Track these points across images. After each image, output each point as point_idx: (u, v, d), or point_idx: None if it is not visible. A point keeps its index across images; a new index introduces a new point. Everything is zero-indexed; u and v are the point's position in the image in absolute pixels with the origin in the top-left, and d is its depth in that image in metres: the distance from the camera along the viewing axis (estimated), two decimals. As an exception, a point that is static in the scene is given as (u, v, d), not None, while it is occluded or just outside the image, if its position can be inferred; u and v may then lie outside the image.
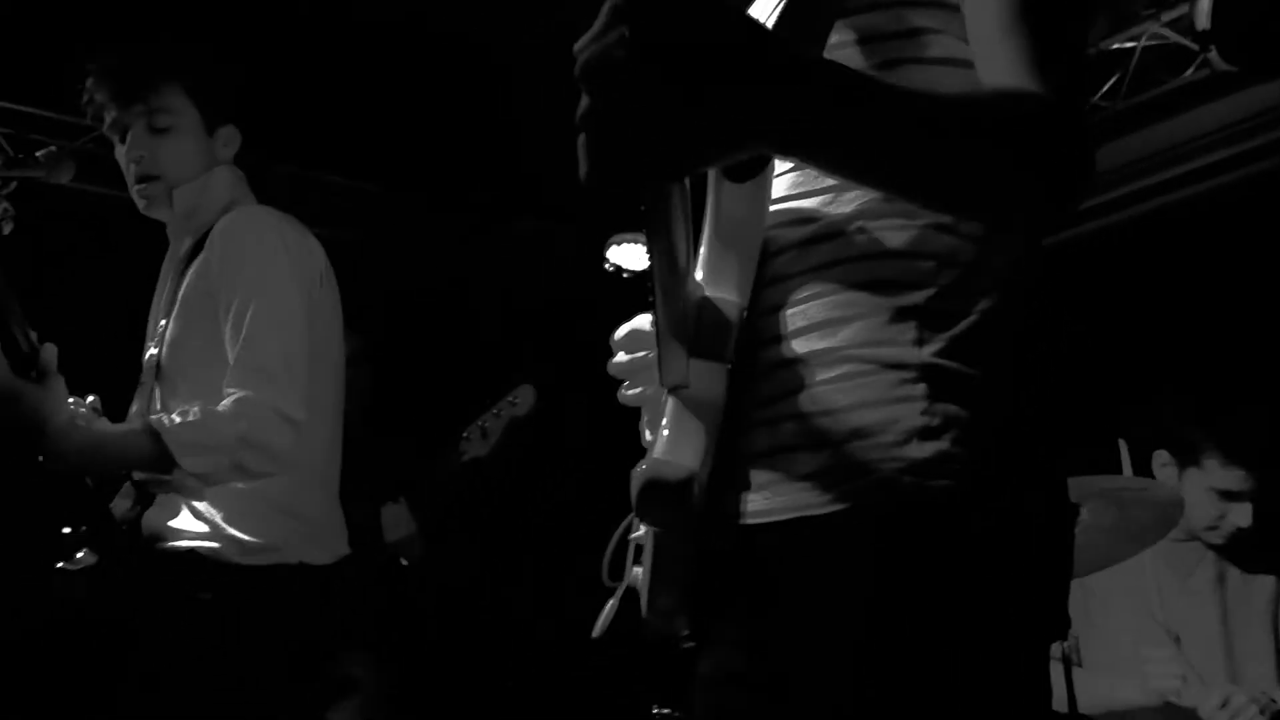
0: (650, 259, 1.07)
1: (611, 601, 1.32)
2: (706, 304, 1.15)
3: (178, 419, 1.96)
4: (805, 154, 0.93)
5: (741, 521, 1.13)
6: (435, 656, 3.77)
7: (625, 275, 5.34)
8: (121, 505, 2.09)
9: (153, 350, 2.20)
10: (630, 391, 1.32)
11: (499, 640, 4.35)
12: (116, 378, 2.12)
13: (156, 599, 2.04)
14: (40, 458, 1.90)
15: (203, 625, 2.01)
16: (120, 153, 2.22)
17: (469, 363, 5.04)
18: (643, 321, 1.34)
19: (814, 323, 1.13)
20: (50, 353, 1.91)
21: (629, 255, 5.37)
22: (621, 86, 0.83)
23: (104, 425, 2.02)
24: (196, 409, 1.98)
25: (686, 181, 1.05)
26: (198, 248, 2.19)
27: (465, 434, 3.37)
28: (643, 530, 1.28)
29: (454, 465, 3.36)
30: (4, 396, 1.85)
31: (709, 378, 1.13)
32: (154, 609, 2.04)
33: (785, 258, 1.16)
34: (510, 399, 3.41)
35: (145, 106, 2.18)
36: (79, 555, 2.04)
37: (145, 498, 2.11)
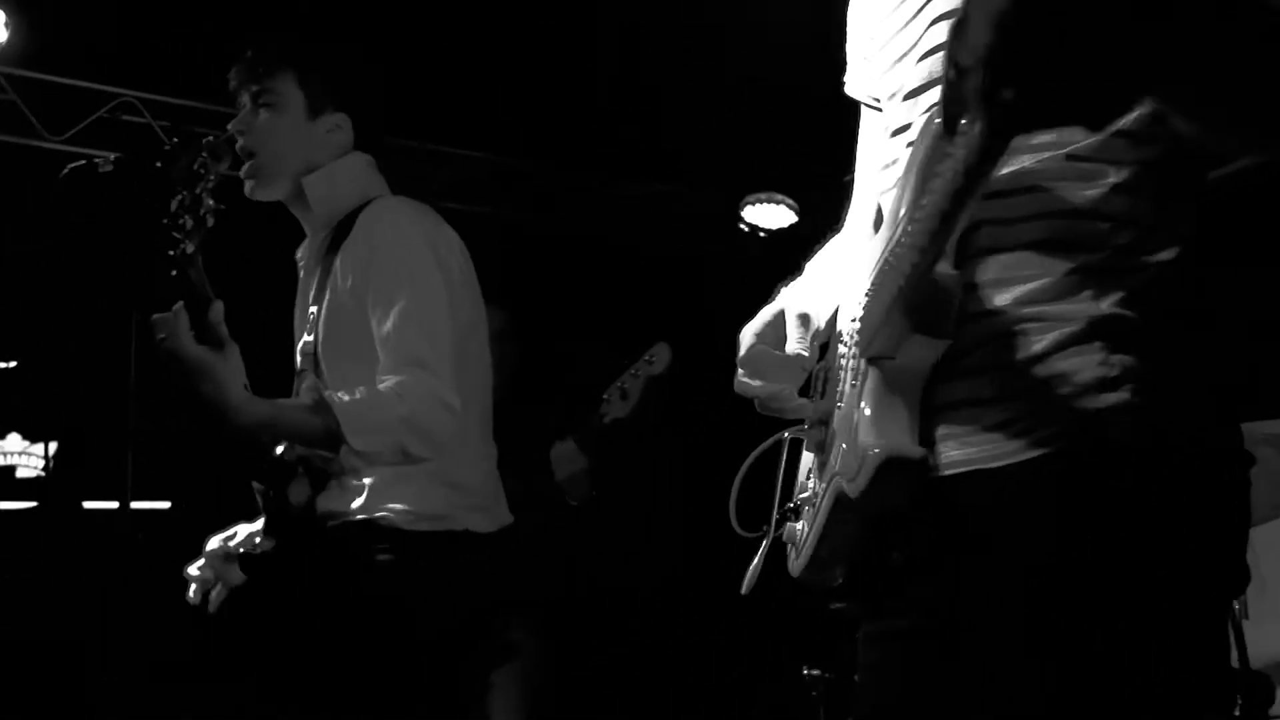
0: (917, 217, 1.05)
1: (758, 558, 1.32)
2: (932, 282, 1.12)
3: (346, 398, 2.01)
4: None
5: (936, 474, 1.13)
6: (587, 619, 3.85)
7: (761, 235, 5.32)
8: (299, 492, 2.17)
9: (308, 337, 2.24)
10: (754, 383, 1.31)
11: (647, 602, 4.43)
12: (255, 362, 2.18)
13: (333, 565, 2.13)
14: (220, 429, 1.92)
15: (377, 584, 2.09)
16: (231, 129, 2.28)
17: (607, 326, 5.10)
18: (757, 327, 1.33)
19: (994, 279, 1.14)
20: (218, 311, 1.88)
21: (764, 215, 5.34)
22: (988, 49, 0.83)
23: (277, 400, 2.06)
24: (363, 389, 2.04)
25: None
26: (338, 237, 2.24)
27: (606, 396, 3.42)
28: (809, 490, 1.30)
29: (596, 427, 3.39)
30: (192, 368, 1.85)
31: (923, 349, 1.12)
32: (330, 574, 2.13)
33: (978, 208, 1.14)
34: (647, 358, 3.45)
35: (259, 87, 2.26)
36: (258, 541, 2.14)
37: (319, 484, 2.18)
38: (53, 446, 6.85)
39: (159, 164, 1.96)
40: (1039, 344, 1.11)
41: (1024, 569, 1.08)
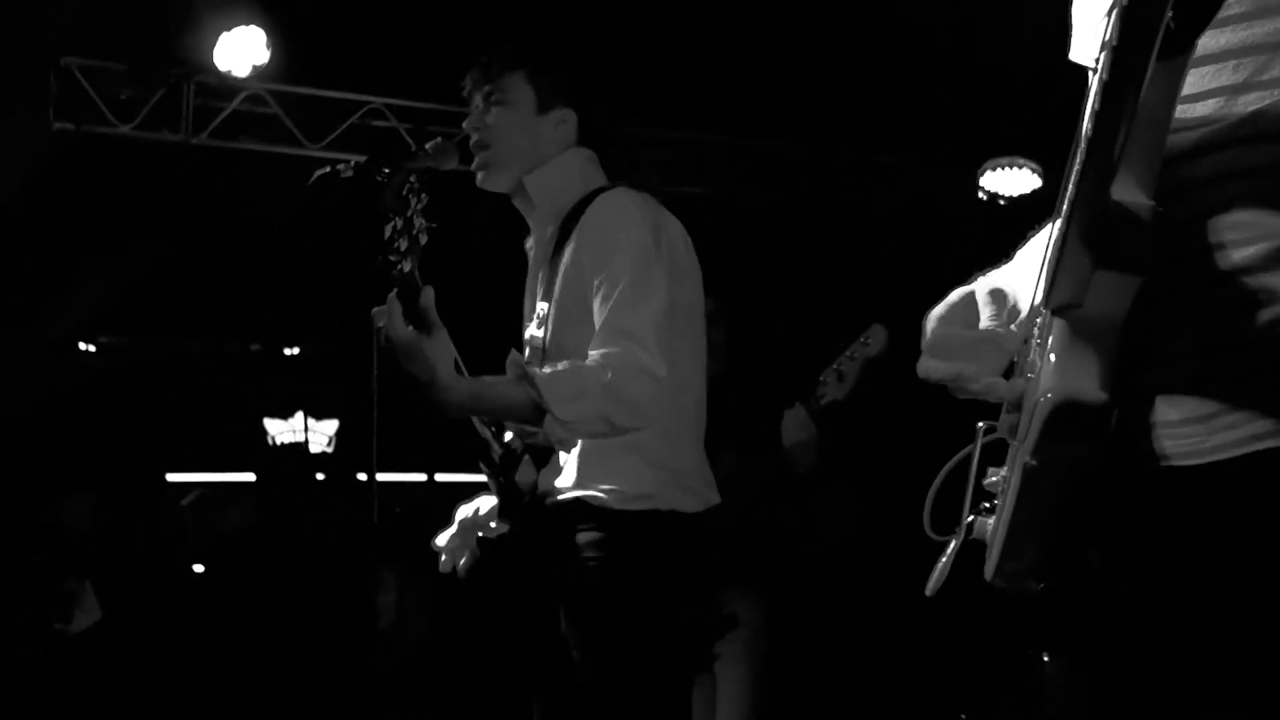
0: (1084, 159, 0.96)
1: (945, 557, 1.22)
2: (1118, 208, 0.98)
3: (548, 370, 2.06)
4: None
5: (1160, 464, 1.02)
6: (808, 597, 3.82)
7: (1002, 202, 5.07)
8: (527, 476, 2.23)
9: (536, 331, 2.28)
10: (938, 365, 1.19)
11: (870, 581, 4.33)
12: (481, 353, 2.26)
13: (549, 542, 2.20)
14: (428, 407, 2.01)
15: (586, 563, 2.14)
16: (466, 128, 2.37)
17: (828, 303, 5.01)
18: (944, 311, 1.22)
19: (1213, 243, 1.02)
20: (429, 297, 1.97)
21: (1005, 181, 5.08)
22: None
23: (481, 378, 2.11)
24: (565, 362, 2.08)
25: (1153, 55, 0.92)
26: (564, 231, 2.28)
27: (822, 378, 3.36)
28: (998, 476, 1.18)
29: (814, 408, 3.35)
30: (405, 350, 1.94)
31: (1113, 293, 0.98)
32: (556, 561, 2.19)
33: (1187, 164, 1.04)
34: (863, 340, 3.34)
35: (492, 89, 2.33)
36: (493, 525, 2.24)
37: (542, 463, 2.23)
38: (334, 425, 7.47)
39: (374, 200, 2.07)
40: (1261, 319, 0.98)
41: (1233, 581, 0.98)
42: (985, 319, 1.19)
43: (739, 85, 4.56)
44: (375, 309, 1.99)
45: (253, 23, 4.24)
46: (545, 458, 2.24)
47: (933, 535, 1.24)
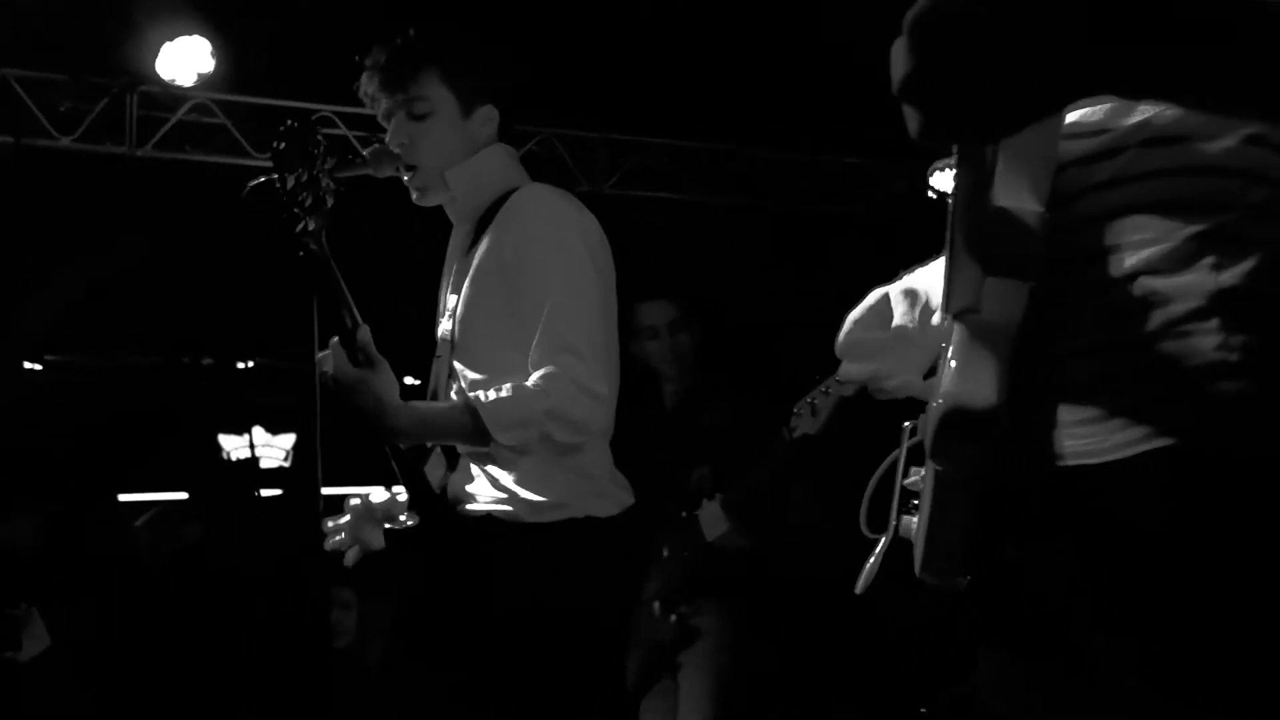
0: (957, 169, 1.00)
1: (874, 555, 1.26)
2: (1004, 215, 1.03)
3: (491, 395, 2.06)
4: (1166, 99, 0.86)
5: (1060, 463, 1.05)
6: (774, 606, 3.81)
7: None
8: (435, 472, 2.23)
9: (446, 325, 2.28)
10: (879, 389, 1.26)
11: (835, 570, 4.34)
12: (404, 349, 2.25)
13: (468, 557, 2.18)
14: (379, 434, 2.06)
15: (508, 582, 2.11)
16: (389, 140, 2.28)
17: (803, 327, 5.01)
18: (859, 314, 1.27)
19: (1108, 245, 1.04)
20: (366, 335, 2.03)
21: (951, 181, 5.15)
22: (955, 41, 0.78)
23: (428, 404, 2.17)
24: (508, 387, 2.07)
25: None
26: (480, 228, 2.26)
27: (796, 410, 3.31)
28: (915, 476, 1.23)
29: (785, 440, 3.31)
30: (351, 387, 2.03)
31: (1005, 298, 1.02)
32: (467, 567, 2.17)
33: (1074, 171, 1.06)
34: (838, 377, 3.32)
35: (405, 94, 2.23)
36: (402, 517, 2.22)
37: (453, 463, 2.23)
38: (291, 439, 7.39)
39: (278, 144, 2.08)
40: (1152, 321, 1.00)
41: (1135, 576, 0.99)
42: (898, 318, 1.23)
43: (723, 91, 4.61)
44: (319, 354, 2.06)
45: (196, 32, 4.18)
46: (455, 458, 2.24)
47: (868, 534, 1.29)
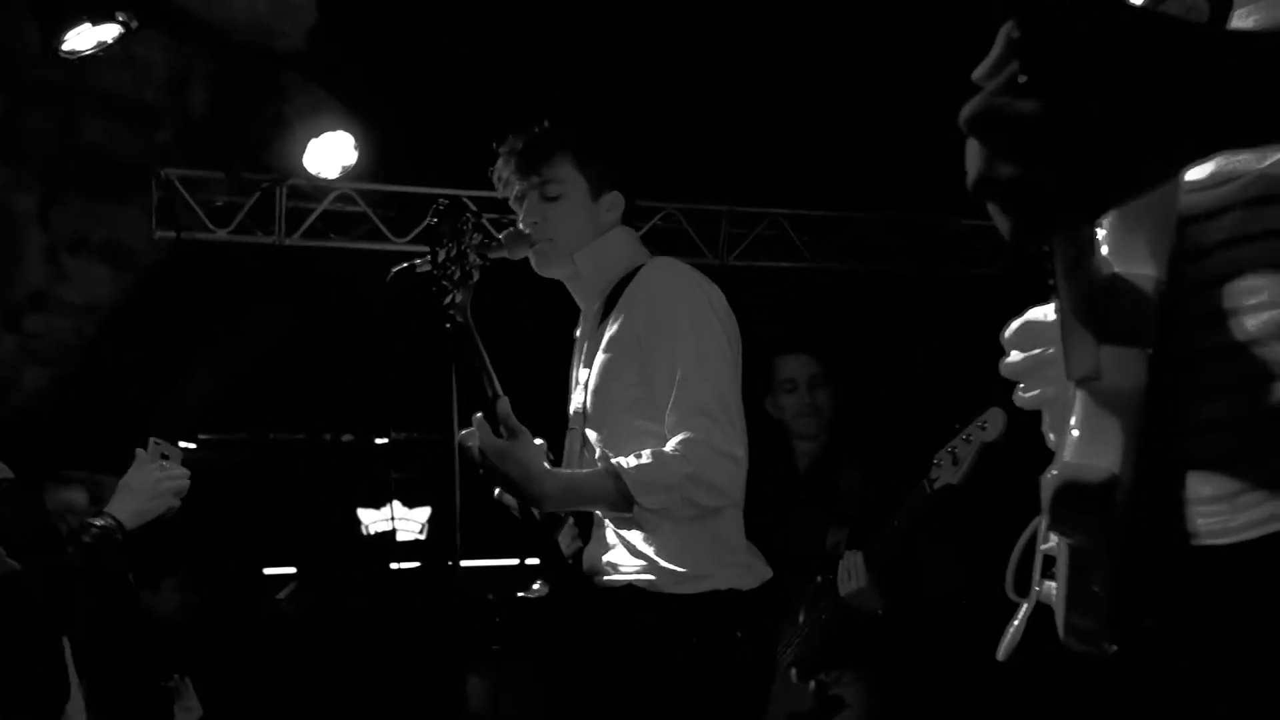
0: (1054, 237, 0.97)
1: (1018, 620, 1.23)
2: (1117, 281, 1.01)
3: (633, 461, 2.10)
4: (1251, 142, 0.81)
5: (1194, 542, 1.01)
6: (916, 676, 3.73)
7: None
8: (567, 541, 2.28)
9: (579, 398, 2.34)
10: (1028, 394, 1.18)
11: (982, 660, 4.24)
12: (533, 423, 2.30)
13: (600, 632, 2.22)
14: (527, 501, 2.14)
15: (650, 654, 2.14)
16: (521, 222, 2.39)
17: (934, 383, 4.96)
18: (1038, 314, 1.19)
19: (1237, 306, 1.00)
20: (506, 406, 2.10)
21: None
22: (1029, 136, 0.74)
23: (572, 471, 2.21)
24: (649, 452, 2.11)
25: None
26: (610, 304, 2.34)
27: (936, 460, 3.26)
28: (1054, 540, 1.18)
29: (926, 491, 3.27)
30: (500, 455, 2.09)
31: (1125, 366, 1.00)
32: (597, 642, 2.22)
33: (1204, 225, 1.03)
34: (980, 423, 3.21)
35: (539, 178, 2.35)
36: (534, 586, 2.28)
37: (586, 534, 2.28)
38: (427, 511, 7.56)
39: (432, 219, 2.19)
40: (1274, 395, 0.96)
41: (1267, 665, 0.97)
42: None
43: (840, 156, 4.63)
44: (463, 434, 2.14)
45: (341, 127, 4.41)
46: (589, 529, 2.28)
47: (1014, 598, 1.25)
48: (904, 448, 3.96)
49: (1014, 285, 5.17)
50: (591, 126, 2.45)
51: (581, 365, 2.38)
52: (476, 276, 2.17)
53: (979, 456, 3.21)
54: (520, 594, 2.30)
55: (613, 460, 2.12)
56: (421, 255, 2.24)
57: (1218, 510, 1.00)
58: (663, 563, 2.17)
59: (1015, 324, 1.19)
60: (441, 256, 2.15)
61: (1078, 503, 0.98)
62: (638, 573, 2.19)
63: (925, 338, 5.21)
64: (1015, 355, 1.18)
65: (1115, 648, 1.08)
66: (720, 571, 2.18)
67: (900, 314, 5.36)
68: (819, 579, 3.47)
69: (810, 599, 3.48)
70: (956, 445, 3.23)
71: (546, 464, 2.14)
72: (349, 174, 4.53)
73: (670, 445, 2.11)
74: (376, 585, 6.96)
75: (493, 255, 2.28)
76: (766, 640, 2.30)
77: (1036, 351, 1.16)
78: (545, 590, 2.24)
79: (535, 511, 2.25)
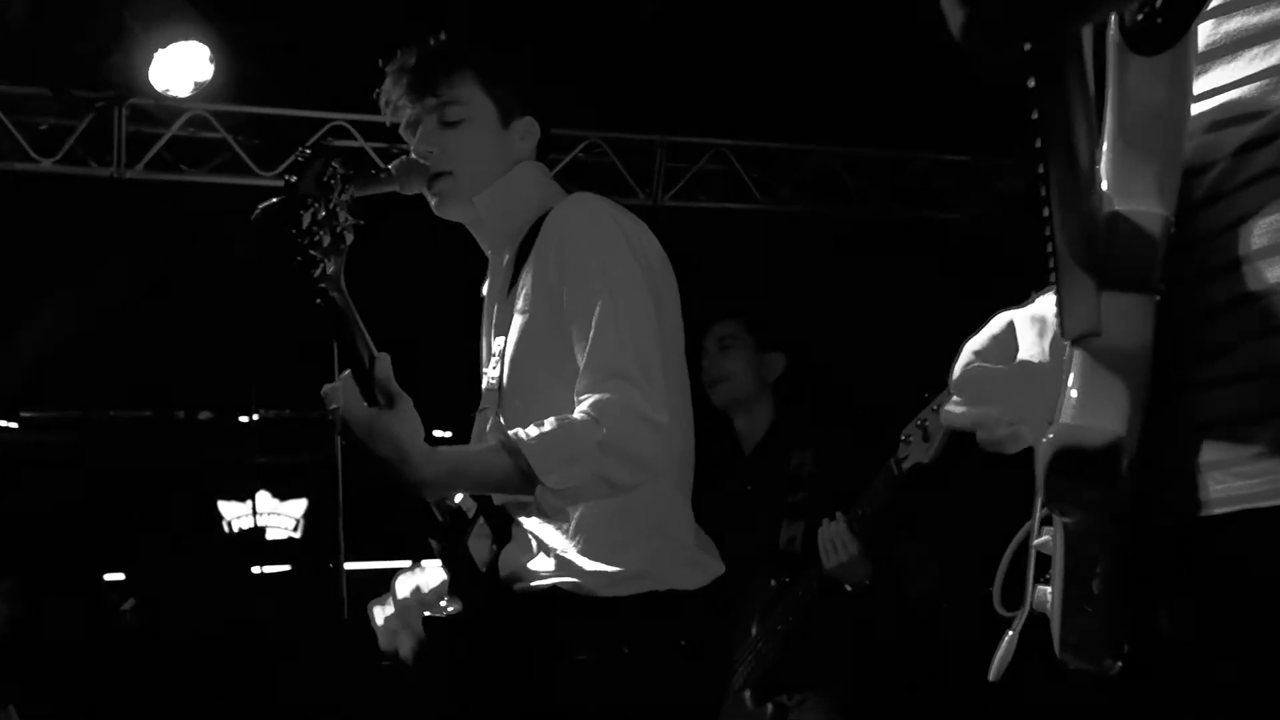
0: (1044, 164, 0.99)
1: (1009, 634, 1.22)
2: (1119, 220, 1.04)
3: (534, 432, 2.04)
4: None
5: (1202, 512, 1.05)
6: (891, 698, 3.80)
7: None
8: (481, 548, 2.25)
9: (492, 373, 2.31)
10: (990, 438, 1.19)
11: (951, 665, 4.34)
12: (440, 401, 2.26)
13: (524, 646, 2.20)
14: (402, 488, 2.03)
15: (575, 667, 2.14)
16: (415, 152, 2.35)
17: (903, 345, 5.03)
18: (981, 344, 1.22)
19: (1263, 248, 1.03)
20: (385, 366, 1.99)
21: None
22: None
23: (459, 449, 2.12)
24: (552, 421, 2.05)
25: (1087, 60, 0.97)
26: (522, 256, 2.32)
27: (904, 435, 3.31)
28: (1048, 535, 1.20)
29: (893, 473, 3.32)
30: (366, 429, 1.96)
31: (1130, 316, 1.03)
32: (525, 654, 2.20)
33: (1223, 167, 1.07)
34: (942, 419, 3.29)
35: (437, 99, 2.30)
36: (443, 603, 2.24)
37: (503, 536, 2.26)
38: (302, 505, 7.51)
39: (290, 178, 2.12)
40: None
41: None
42: (1024, 349, 1.17)
43: (798, 81, 4.66)
44: (325, 387, 2.01)
45: (193, 37, 4.32)
46: (506, 530, 2.25)
47: (1002, 611, 1.25)
48: (868, 423, 3.99)
49: (997, 230, 5.26)
50: (499, 39, 2.43)
51: (494, 331, 2.35)
52: (350, 239, 2.10)
53: (954, 431, 3.25)
54: (427, 613, 2.28)
55: (511, 433, 2.07)
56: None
57: (1233, 475, 1.03)
58: (589, 561, 2.16)
59: (959, 364, 1.22)
60: (307, 220, 2.08)
61: (1078, 471, 1.00)
62: (561, 574, 2.17)
63: (893, 292, 5.26)
64: (956, 406, 1.21)
65: (1119, 664, 1.09)
66: (659, 569, 2.16)
67: (864, 264, 5.39)
68: (773, 583, 3.50)
69: (764, 607, 3.50)
70: (927, 418, 3.26)
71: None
72: (203, 93, 4.44)
73: (578, 411, 2.08)
74: (240, 593, 6.90)
75: (377, 190, 2.24)
76: (717, 652, 2.28)
77: (979, 412, 1.18)
78: (456, 608, 2.21)
79: (441, 507, 2.22)
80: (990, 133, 4.87)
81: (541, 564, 2.20)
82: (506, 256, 2.37)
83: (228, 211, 4.47)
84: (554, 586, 2.17)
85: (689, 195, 5.24)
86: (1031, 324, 1.20)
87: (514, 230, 2.35)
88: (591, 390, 2.09)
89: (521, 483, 2.04)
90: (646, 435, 2.06)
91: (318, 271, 2.07)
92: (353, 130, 4.74)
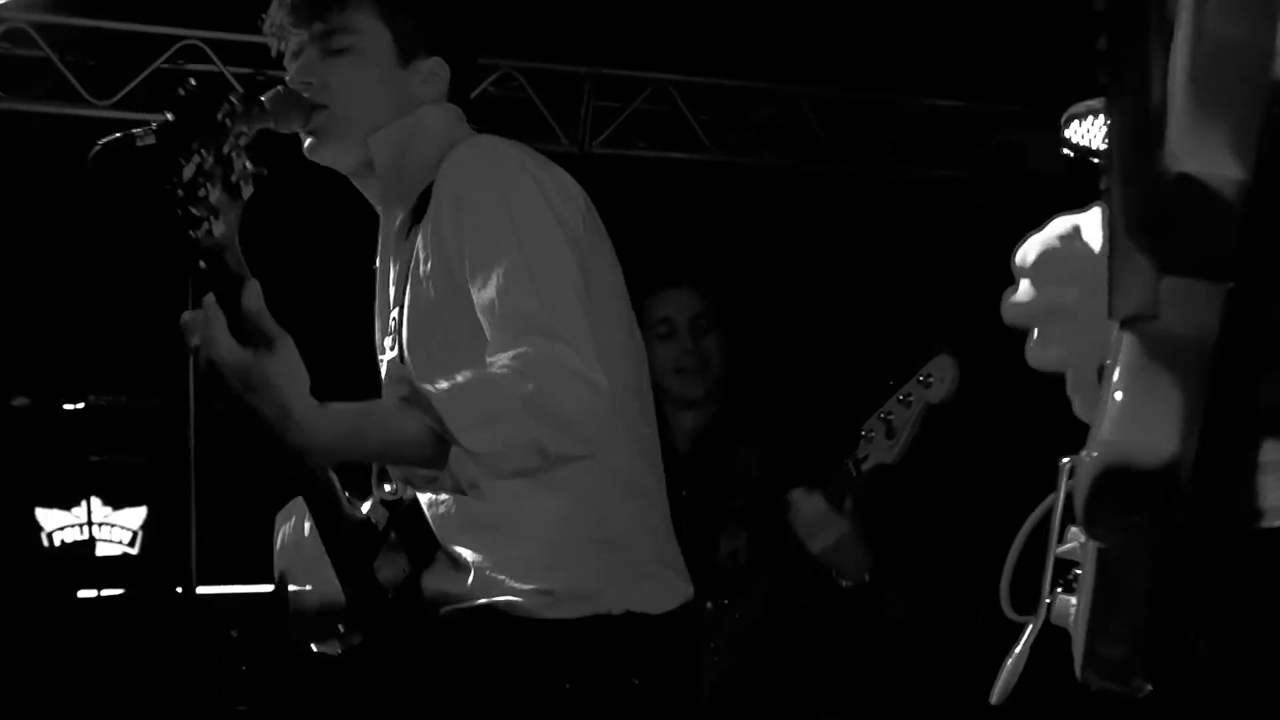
0: (1109, 110, 1.02)
1: (1018, 649, 1.28)
2: (1187, 185, 1.05)
3: (444, 384, 1.99)
4: None
5: (1262, 523, 1.07)
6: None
7: (1096, 161, 5.19)
8: (392, 569, 2.23)
9: (390, 350, 2.33)
10: (1045, 351, 1.25)
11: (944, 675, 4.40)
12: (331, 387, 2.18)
13: (447, 680, 2.21)
14: (281, 456, 1.93)
15: (508, 703, 2.16)
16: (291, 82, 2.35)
17: (872, 327, 5.03)
18: (1063, 228, 1.25)
19: None
20: (256, 294, 1.88)
21: (1093, 134, 5.20)
22: None
23: (357, 404, 2.02)
24: (467, 372, 2.02)
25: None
26: (419, 211, 2.32)
27: (865, 430, 3.34)
28: (1072, 543, 1.25)
29: (851, 474, 3.34)
30: (239, 377, 1.84)
31: (1192, 302, 1.04)
32: (446, 693, 2.21)
33: None
34: (922, 378, 3.29)
35: (324, 26, 2.34)
36: (342, 631, 2.22)
37: (421, 557, 2.24)
38: (141, 514, 7.39)
39: (170, 116, 1.99)
40: None
41: None
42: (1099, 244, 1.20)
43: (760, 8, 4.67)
44: (185, 315, 1.88)
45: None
46: (427, 545, 2.24)
47: (1013, 617, 1.31)
48: (825, 415, 4.00)
49: (989, 193, 5.29)
50: None
51: (392, 304, 2.35)
52: (249, 192, 1.98)
53: (921, 423, 3.27)
54: (320, 648, 2.23)
55: (421, 385, 1.99)
56: (141, 123, 2.09)
57: None
58: (527, 575, 2.16)
59: (1032, 243, 1.25)
60: (190, 171, 1.94)
61: (1126, 496, 1.02)
62: (493, 592, 2.17)
63: (867, 263, 5.30)
64: (1024, 291, 1.24)
65: (1150, 685, 1.13)
66: (613, 587, 2.18)
67: (834, 231, 5.42)
68: (709, 605, 3.52)
69: (703, 634, 3.50)
70: (892, 410, 3.30)
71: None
72: (23, 1, 4.38)
73: (499, 362, 2.03)
74: (64, 621, 6.80)
75: (248, 126, 2.13)
76: (679, 689, 2.28)
77: (1059, 290, 1.22)
78: (354, 640, 2.20)
79: (334, 527, 2.18)
80: (994, 72, 4.89)
81: (469, 579, 2.19)
82: (400, 215, 2.37)
83: (54, 147, 4.39)
84: (485, 606, 2.17)
85: (623, 141, 5.23)
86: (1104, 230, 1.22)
87: (414, 183, 2.35)
88: (506, 348, 2.04)
89: (433, 447, 1.96)
90: (582, 394, 2.01)
91: (200, 232, 1.92)
92: (209, 51, 4.67)
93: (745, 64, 5.17)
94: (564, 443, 2.00)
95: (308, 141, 2.35)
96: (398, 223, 2.39)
